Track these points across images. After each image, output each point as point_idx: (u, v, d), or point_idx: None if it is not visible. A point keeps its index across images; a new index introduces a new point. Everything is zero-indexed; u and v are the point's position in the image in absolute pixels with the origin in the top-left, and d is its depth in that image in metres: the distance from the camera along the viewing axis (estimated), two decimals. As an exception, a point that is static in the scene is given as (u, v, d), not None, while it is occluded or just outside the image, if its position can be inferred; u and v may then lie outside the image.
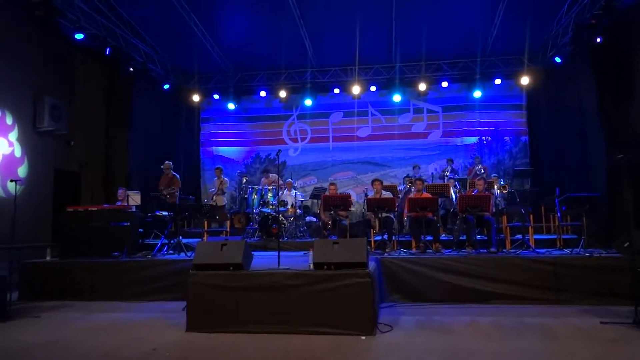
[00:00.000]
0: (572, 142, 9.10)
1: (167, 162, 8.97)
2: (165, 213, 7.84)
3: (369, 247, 5.85)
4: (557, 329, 4.59)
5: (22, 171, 8.51)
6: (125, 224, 7.20)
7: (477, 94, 11.08)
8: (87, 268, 6.59)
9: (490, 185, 8.00)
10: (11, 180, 6.22)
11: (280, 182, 9.19)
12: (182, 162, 11.69)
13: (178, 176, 8.94)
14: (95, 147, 10.47)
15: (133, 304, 6.16)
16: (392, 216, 7.32)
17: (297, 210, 8.80)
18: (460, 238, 7.14)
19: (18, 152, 8.46)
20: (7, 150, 8.33)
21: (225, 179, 9.89)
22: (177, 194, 8.73)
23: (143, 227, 7.72)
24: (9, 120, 8.35)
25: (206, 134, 12.53)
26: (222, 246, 4.98)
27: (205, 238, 8.29)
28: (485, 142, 11.39)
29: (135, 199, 7.89)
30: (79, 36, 8.28)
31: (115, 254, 7.03)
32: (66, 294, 6.44)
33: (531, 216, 7.50)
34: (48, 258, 7.09)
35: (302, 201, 9.37)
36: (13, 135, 8.47)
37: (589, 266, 5.68)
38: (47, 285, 6.54)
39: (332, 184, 8.21)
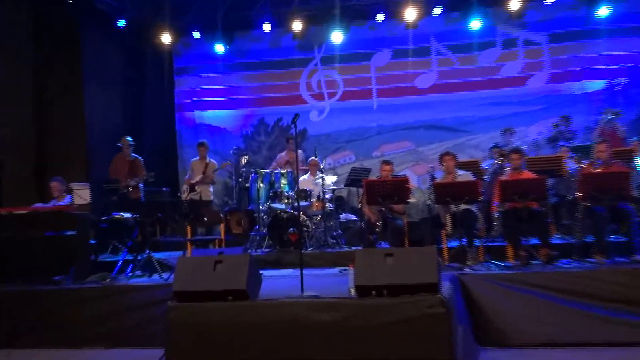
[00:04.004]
0: None
1: (125, 137, 9.05)
2: (128, 215, 7.93)
3: (440, 259, 5.79)
4: None
5: None
6: (70, 232, 7.32)
7: (604, 11, 10.71)
8: (20, 300, 6.69)
9: (629, 155, 7.75)
10: None
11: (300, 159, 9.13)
12: (148, 136, 11.78)
13: (142, 159, 9.02)
14: (21, 123, 10.58)
15: (90, 351, 6.22)
16: (474, 209, 7.27)
17: (327, 205, 8.79)
18: (585, 240, 7.02)
19: None
20: None
21: (213, 161, 9.92)
22: (142, 185, 8.82)
23: (96, 237, 7.82)
24: None
25: (183, 92, 12.65)
26: (215, 263, 5.00)
27: (189, 251, 8.36)
28: (617, 87, 11.08)
29: (82, 195, 7.99)
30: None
31: (57, 278, 7.14)
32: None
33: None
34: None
35: (333, 190, 9.35)
36: None
37: None
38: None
39: (385, 162, 8.13)
